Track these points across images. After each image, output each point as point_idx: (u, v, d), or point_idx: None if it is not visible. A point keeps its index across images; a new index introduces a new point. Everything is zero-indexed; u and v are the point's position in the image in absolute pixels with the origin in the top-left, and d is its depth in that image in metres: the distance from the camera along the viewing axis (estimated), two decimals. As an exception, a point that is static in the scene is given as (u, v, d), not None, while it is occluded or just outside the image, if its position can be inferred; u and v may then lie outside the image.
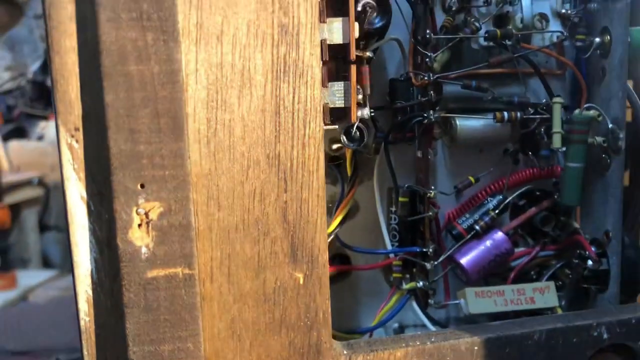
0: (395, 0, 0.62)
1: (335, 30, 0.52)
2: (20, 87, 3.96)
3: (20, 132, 3.78)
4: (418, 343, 0.53)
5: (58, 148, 0.47)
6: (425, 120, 0.63)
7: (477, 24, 0.63)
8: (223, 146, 0.48)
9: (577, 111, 0.63)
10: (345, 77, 0.53)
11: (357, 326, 0.70)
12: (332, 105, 0.54)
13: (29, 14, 3.98)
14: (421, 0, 0.62)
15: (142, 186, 0.44)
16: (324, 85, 0.51)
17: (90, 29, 0.44)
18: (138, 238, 0.45)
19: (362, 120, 0.58)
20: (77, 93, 0.45)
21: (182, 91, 0.45)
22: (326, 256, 0.50)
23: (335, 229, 0.63)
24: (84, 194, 0.46)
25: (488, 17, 0.65)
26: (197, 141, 0.47)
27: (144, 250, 0.45)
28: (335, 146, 0.63)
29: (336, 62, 0.55)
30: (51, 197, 3.56)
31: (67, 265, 3.48)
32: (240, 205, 0.49)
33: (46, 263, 3.61)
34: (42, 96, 3.93)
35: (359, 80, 0.56)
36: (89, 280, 0.47)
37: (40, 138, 3.74)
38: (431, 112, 0.63)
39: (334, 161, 0.65)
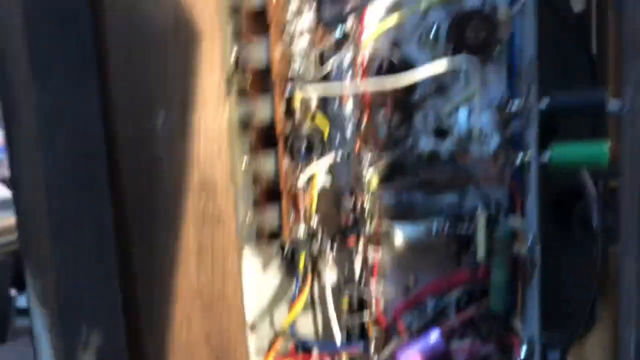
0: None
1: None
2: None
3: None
4: None
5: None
6: (364, 232, 0.69)
7: (414, 141, 0.69)
8: (153, 282, 0.57)
9: (508, 223, 0.68)
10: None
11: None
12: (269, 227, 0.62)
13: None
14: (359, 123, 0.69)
15: (86, 325, 0.54)
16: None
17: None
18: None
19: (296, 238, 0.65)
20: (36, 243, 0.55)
21: (110, 240, 0.54)
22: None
23: (292, 321, 0.71)
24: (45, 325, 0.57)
25: (427, 132, 0.70)
26: (128, 279, 0.56)
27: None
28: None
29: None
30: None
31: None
32: (170, 333, 0.57)
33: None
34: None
35: (295, 204, 0.63)
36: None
37: None
38: (370, 223, 0.69)
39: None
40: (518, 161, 0.66)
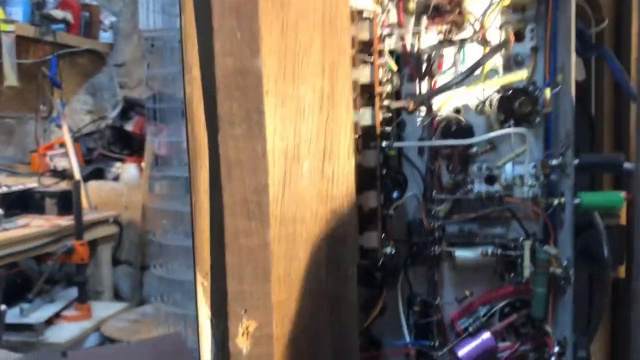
0: (412, 165, 0.90)
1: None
2: (100, 130, 4.41)
3: (98, 173, 4.18)
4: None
5: (194, 284, 0.77)
6: (432, 253, 0.90)
7: (471, 185, 0.91)
8: (293, 284, 0.77)
9: (545, 247, 0.89)
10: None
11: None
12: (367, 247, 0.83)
13: (109, 63, 4.47)
14: (430, 170, 0.90)
15: (245, 311, 0.74)
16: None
17: (218, 217, 0.74)
18: (241, 343, 0.74)
19: (385, 255, 0.86)
20: (208, 253, 0.75)
21: (269, 253, 0.74)
22: (358, 355, 0.78)
23: (369, 324, 0.91)
24: (209, 313, 0.76)
25: (481, 178, 0.92)
26: (277, 281, 0.76)
27: (244, 350, 0.74)
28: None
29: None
30: (124, 234, 3.96)
31: (135, 298, 3.85)
32: (303, 322, 0.77)
33: (117, 295, 4.00)
34: (119, 139, 4.35)
35: (385, 230, 0.84)
36: (209, 366, 0.77)
37: (116, 179, 4.15)
38: (436, 247, 0.90)
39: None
40: (555, 203, 0.87)
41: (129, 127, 4.35)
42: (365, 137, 0.82)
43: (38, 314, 3.23)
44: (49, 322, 3.23)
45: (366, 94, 0.82)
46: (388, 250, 0.86)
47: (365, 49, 0.81)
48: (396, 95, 0.91)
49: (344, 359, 0.78)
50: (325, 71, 0.74)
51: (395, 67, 0.88)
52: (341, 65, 0.75)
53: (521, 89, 0.90)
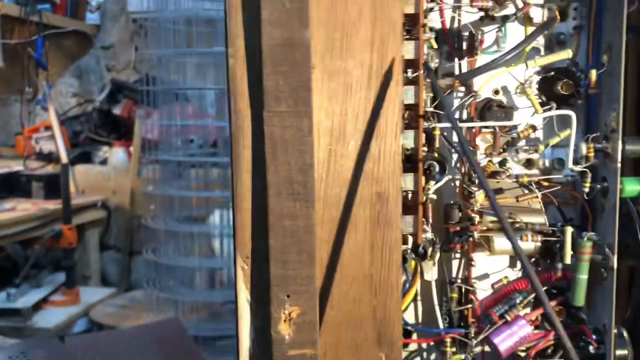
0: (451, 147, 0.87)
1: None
2: (86, 114, 4.33)
3: (84, 157, 4.11)
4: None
5: (234, 268, 0.73)
6: (470, 238, 0.87)
7: (510, 169, 0.88)
8: (336, 268, 0.74)
9: (584, 233, 0.87)
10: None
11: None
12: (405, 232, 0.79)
13: (96, 45, 4.38)
14: (468, 152, 0.87)
15: (288, 296, 0.70)
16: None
17: (261, 199, 0.70)
18: (284, 329, 0.70)
19: (425, 239, 0.83)
20: (249, 236, 0.72)
21: (314, 236, 0.71)
22: (401, 343, 0.75)
23: (403, 310, 0.88)
24: (249, 298, 0.73)
25: (519, 162, 0.89)
26: (320, 265, 0.73)
27: (287, 337, 0.70)
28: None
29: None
30: (112, 218, 3.90)
31: (123, 283, 3.81)
32: (345, 308, 0.74)
33: (104, 281, 3.95)
34: (106, 123, 4.28)
35: (425, 214, 0.81)
36: (247, 353, 0.73)
37: (103, 163, 4.09)
38: (475, 232, 0.87)
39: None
40: (598, 188, 0.85)
41: (117, 110, 4.27)
42: (406, 116, 0.79)
43: (25, 299, 3.17)
44: (37, 307, 3.17)
45: (409, 70, 0.79)
46: (427, 235, 0.83)
47: (408, 23, 0.78)
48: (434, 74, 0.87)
49: (387, 347, 0.75)
50: (375, 45, 0.71)
51: (435, 44, 0.85)
52: (391, 39, 0.71)
53: (563, 69, 0.87)
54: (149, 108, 3.08)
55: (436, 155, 0.84)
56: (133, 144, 3.91)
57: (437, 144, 0.83)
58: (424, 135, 0.81)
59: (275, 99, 0.67)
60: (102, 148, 4.15)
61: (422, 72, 0.79)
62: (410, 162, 0.80)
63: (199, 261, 2.93)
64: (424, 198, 0.82)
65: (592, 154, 0.84)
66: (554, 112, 0.85)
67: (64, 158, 3.32)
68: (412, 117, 0.79)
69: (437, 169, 0.83)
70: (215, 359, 2.70)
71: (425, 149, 0.83)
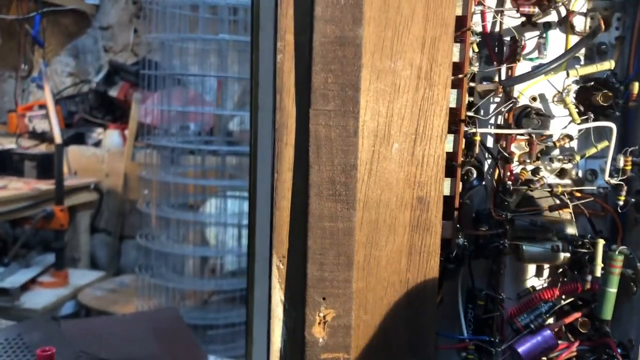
0: (485, 155, 0.86)
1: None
2: (82, 94, 4.27)
3: (78, 138, 4.06)
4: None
5: (269, 268, 0.71)
6: (501, 246, 0.86)
7: (544, 178, 0.87)
8: (372, 272, 0.72)
9: (614, 246, 0.86)
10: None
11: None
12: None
13: (94, 25, 4.32)
14: (501, 157, 0.86)
15: (324, 299, 0.69)
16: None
17: (300, 198, 0.69)
18: (318, 332, 0.69)
19: (458, 245, 0.82)
20: (287, 234, 0.70)
21: (354, 238, 0.69)
22: (433, 350, 0.74)
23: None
24: (282, 298, 0.71)
25: (553, 171, 0.88)
26: (356, 269, 0.71)
27: (320, 340, 0.69)
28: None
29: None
30: (104, 201, 3.86)
31: (112, 267, 3.77)
32: (379, 312, 0.73)
33: (93, 263, 3.91)
34: (102, 104, 4.23)
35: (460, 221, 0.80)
36: (278, 354, 0.72)
37: (97, 144, 4.04)
38: (505, 240, 0.86)
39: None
40: (632, 201, 0.84)
41: (113, 92, 4.21)
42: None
43: (13, 279, 3.12)
44: (25, 287, 3.13)
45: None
46: (460, 241, 0.81)
47: (455, 25, 0.76)
48: (472, 78, 0.86)
49: (420, 355, 0.74)
50: (425, 46, 0.69)
51: (476, 48, 0.83)
52: (442, 40, 0.70)
53: (603, 80, 0.86)
54: (148, 91, 3.04)
55: (474, 160, 0.83)
56: (128, 127, 3.86)
57: (476, 150, 0.82)
58: (464, 140, 0.79)
59: (322, 97, 0.65)
60: (97, 130, 4.10)
61: (466, 75, 0.77)
62: (447, 166, 0.79)
63: (192, 249, 2.91)
64: (459, 204, 0.80)
65: (629, 167, 0.83)
66: (593, 124, 0.84)
67: (58, 138, 3.27)
68: (450, 121, 0.77)
69: (475, 174, 0.81)
70: (204, 348, 2.68)
71: (463, 154, 0.82)
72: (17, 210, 3.23)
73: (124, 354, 2.00)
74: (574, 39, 0.86)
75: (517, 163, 0.89)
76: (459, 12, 0.76)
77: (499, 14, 0.85)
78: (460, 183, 0.79)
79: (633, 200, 0.85)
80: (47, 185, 3.37)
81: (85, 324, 2.27)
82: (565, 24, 0.85)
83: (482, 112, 0.88)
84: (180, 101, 2.98)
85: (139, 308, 2.96)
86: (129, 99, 4.06)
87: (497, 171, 0.88)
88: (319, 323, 0.69)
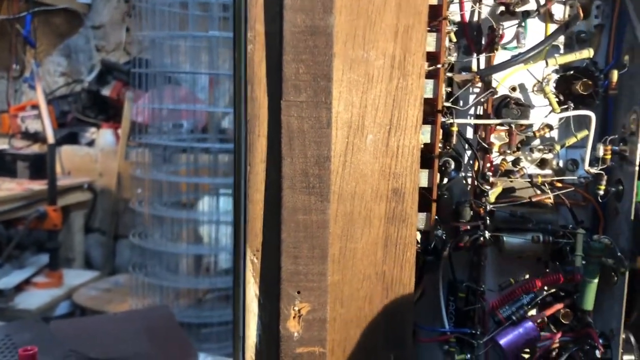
0: (464, 146, 0.85)
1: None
2: (74, 94, 4.26)
3: (71, 138, 4.05)
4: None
5: (243, 261, 0.70)
6: (481, 238, 0.85)
7: (525, 169, 0.86)
8: (348, 265, 0.71)
9: (595, 237, 0.85)
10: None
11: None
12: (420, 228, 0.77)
13: (86, 24, 4.30)
14: (481, 148, 0.85)
15: (299, 292, 0.68)
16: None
17: (274, 191, 0.68)
18: (293, 326, 0.68)
19: (436, 237, 0.81)
20: (260, 228, 0.69)
21: (328, 231, 0.68)
22: (411, 340, 0.73)
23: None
24: (257, 292, 0.70)
25: (533, 161, 0.88)
26: (331, 262, 0.71)
27: (295, 334, 0.68)
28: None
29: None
30: (97, 201, 3.85)
31: (107, 267, 3.76)
32: (355, 305, 0.72)
33: (88, 263, 3.90)
34: (94, 104, 4.21)
35: (438, 212, 0.79)
36: (253, 349, 0.71)
37: (90, 144, 4.03)
38: (486, 231, 0.85)
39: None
40: (612, 191, 0.83)
41: (106, 91, 4.20)
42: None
43: (7, 280, 3.11)
44: (19, 288, 3.12)
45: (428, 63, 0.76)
46: (439, 232, 0.80)
47: (430, 15, 0.75)
48: (450, 68, 0.85)
49: (397, 347, 0.73)
50: (399, 35, 0.68)
51: (454, 38, 0.82)
52: (415, 29, 0.69)
53: (583, 68, 0.85)
54: (140, 90, 3.03)
55: (452, 151, 0.82)
56: (121, 126, 3.85)
57: (454, 140, 0.81)
58: (441, 130, 0.79)
59: (294, 88, 0.65)
60: (90, 129, 4.09)
61: (442, 65, 0.76)
62: (424, 158, 0.78)
63: (186, 247, 2.91)
64: (437, 195, 0.80)
65: (608, 156, 0.83)
66: (573, 112, 0.84)
67: (51, 138, 3.26)
68: (428, 111, 0.76)
69: (453, 165, 0.81)
70: (199, 346, 2.67)
71: (441, 145, 0.81)
72: (10, 210, 3.22)
73: (114, 353, 1.99)
74: (552, 28, 0.85)
75: (497, 154, 0.88)
76: (434, 1, 0.75)
77: (477, 3, 0.84)
78: (438, 174, 0.78)
79: (613, 189, 0.84)
80: (39, 185, 3.36)
81: (77, 323, 2.26)
82: (544, 13, 0.85)
83: (461, 102, 0.87)
84: (172, 99, 2.97)
85: (133, 307, 2.95)
86: (121, 98, 4.05)
87: (476, 162, 0.87)
88: (294, 317, 0.68)
